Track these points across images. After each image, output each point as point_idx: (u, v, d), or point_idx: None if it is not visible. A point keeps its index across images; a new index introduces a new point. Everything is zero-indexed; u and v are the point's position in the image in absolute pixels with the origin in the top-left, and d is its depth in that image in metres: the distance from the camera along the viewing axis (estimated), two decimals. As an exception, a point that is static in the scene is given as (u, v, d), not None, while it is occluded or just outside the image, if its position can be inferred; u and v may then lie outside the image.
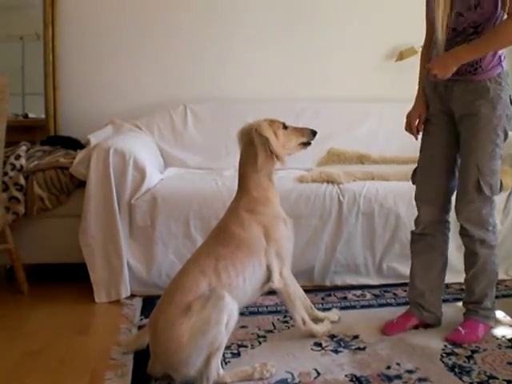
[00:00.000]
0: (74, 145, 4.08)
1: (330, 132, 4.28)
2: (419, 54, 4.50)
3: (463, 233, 2.81)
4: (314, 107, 4.47)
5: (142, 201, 3.41)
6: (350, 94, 4.41)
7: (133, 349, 2.68)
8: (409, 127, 2.94)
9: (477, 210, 2.72)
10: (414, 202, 3.01)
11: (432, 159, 2.87)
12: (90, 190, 3.35)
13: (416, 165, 2.97)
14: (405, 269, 3.54)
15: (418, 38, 4.48)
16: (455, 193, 2.83)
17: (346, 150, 4.25)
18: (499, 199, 3.33)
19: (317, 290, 3.47)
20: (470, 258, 2.83)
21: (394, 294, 3.42)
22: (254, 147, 2.66)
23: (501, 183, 2.76)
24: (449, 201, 2.88)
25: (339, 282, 3.57)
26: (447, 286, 3.49)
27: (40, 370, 2.58)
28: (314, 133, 2.85)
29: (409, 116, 2.95)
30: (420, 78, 2.99)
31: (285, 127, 2.78)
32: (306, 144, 2.85)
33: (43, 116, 4.41)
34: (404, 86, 4.27)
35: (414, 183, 2.98)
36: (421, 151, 2.94)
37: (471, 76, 2.66)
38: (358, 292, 3.45)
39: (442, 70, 2.60)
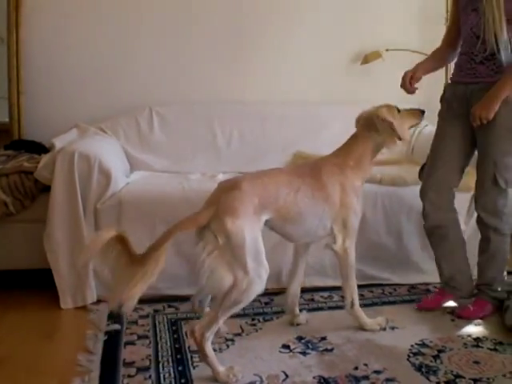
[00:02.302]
0: (39, 149, 4.03)
1: (296, 135, 4.30)
2: (383, 57, 4.60)
3: (479, 220, 3.11)
4: (280, 110, 4.48)
5: (108, 205, 3.38)
6: (315, 97, 4.42)
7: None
8: (403, 83, 3.18)
9: (492, 201, 3.02)
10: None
11: (446, 158, 3.14)
12: (55, 195, 3.31)
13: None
14: (371, 270, 3.58)
15: (383, 42, 4.56)
16: (475, 185, 3.11)
17: (311, 153, 4.27)
18: (464, 199, 3.43)
19: (285, 292, 3.47)
20: (483, 244, 3.13)
21: (361, 295, 3.41)
22: (372, 131, 2.86)
23: None
24: (452, 192, 3.15)
25: (307, 284, 3.56)
26: (412, 286, 3.54)
27: (6, 377, 2.55)
28: (423, 112, 3.02)
29: (404, 74, 3.19)
30: (431, 55, 3.30)
31: (398, 111, 2.92)
32: (416, 125, 3.13)
33: (7, 120, 4.34)
34: (369, 88, 4.33)
35: (421, 179, 3.27)
36: (432, 149, 3.22)
37: (490, 78, 2.94)
38: (326, 294, 3.47)
39: (485, 112, 2.86)
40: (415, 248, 3.61)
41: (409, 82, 3.15)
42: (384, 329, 2.95)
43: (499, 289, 3.13)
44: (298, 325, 3.02)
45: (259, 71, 4.62)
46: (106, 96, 4.45)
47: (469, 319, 3.06)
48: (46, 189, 3.43)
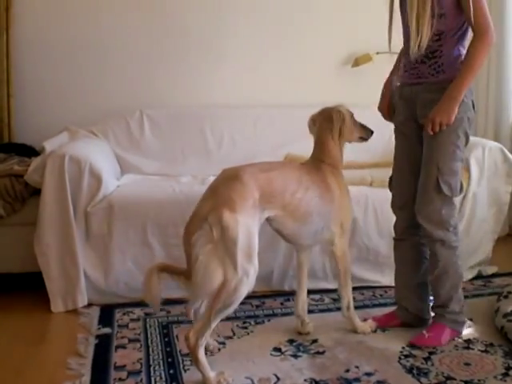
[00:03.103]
0: (29, 152, 4.02)
1: (287, 138, 4.29)
2: (374, 60, 4.61)
3: (424, 233, 2.83)
4: (271, 113, 4.49)
5: (99, 208, 3.37)
6: (305, 100, 4.43)
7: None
8: (384, 117, 3.10)
9: (436, 210, 2.76)
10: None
11: (403, 168, 2.96)
12: (45, 198, 3.30)
13: (389, 173, 3.08)
14: (362, 272, 3.59)
15: (373, 45, 4.57)
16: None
17: (302, 155, 4.27)
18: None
19: (275, 295, 3.48)
20: (432, 260, 2.86)
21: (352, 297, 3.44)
22: (330, 124, 2.92)
23: (461, 185, 2.82)
24: None
25: (296, 287, 3.57)
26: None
27: (-5, 381, 2.54)
28: (371, 132, 3.06)
29: (379, 109, 3.09)
30: (389, 75, 3.11)
31: (352, 118, 3.02)
32: (364, 139, 3.07)
33: (-3, 123, 4.33)
34: (359, 91, 4.35)
35: (391, 190, 3.05)
36: (394, 160, 3.04)
37: (434, 78, 2.75)
38: (317, 296, 3.46)
39: (446, 117, 2.66)
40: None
41: (387, 113, 3.07)
42: (374, 331, 2.96)
43: (457, 310, 2.85)
44: (307, 333, 2.95)
45: (249, 75, 4.62)
46: (97, 99, 4.44)
47: (424, 347, 2.78)
48: (37, 192, 3.42)
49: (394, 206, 3.03)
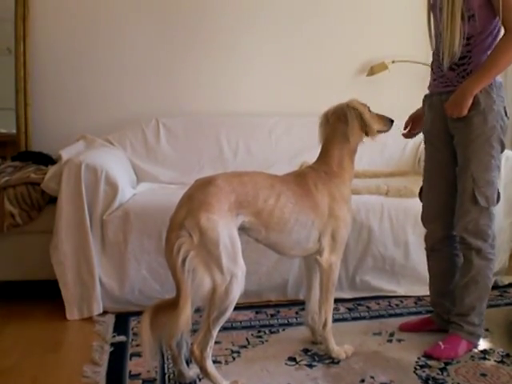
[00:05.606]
0: (46, 160, 4.05)
1: (303, 146, 4.29)
2: (390, 69, 4.61)
3: (461, 241, 2.79)
4: (287, 122, 4.49)
5: (115, 216, 3.38)
6: (321, 109, 4.44)
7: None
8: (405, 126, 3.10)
9: (473, 221, 2.72)
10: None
11: (433, 179, 2.92)
12: (62, 206, 3.31)
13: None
14: (378, 282, 3.58)
15: (389, 54, 4.58)
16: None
17: (318, 164, 4.28)
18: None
19: (291, 305, 3.47)
20: (465, 267, 2.80)
21: (367, 307, 3.43)
22: (343, 125, 2.77)
23: (498, 193, 2.75)
24: (453, 217, 2.87)
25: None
26: (419, 298, 3.52)
27: (11, 389, 2.54)
28: (391, 121, 2.91)
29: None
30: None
31: (369, 111, 2.85)
32: (383, 131, 2.90)
33: (14, 131, 4.36)
34: (375, 100, 4.31)
35: (421, 201, 3.03)
36: (424, 170, 3.00)
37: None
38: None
39: (458, 109, 2.64)
40: (422, 260, 3.55)
41: (408, 130, 3.09)
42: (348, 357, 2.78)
43: (476, 322, 2.80)
44: (320, 343, 2.88)
45: (265, 84, 4.63)
46: (113, 108, 4.47)
47: (439, 360, 2.73)
48: (53, 200, 3.44)
49: (424, 218, 2.99)
